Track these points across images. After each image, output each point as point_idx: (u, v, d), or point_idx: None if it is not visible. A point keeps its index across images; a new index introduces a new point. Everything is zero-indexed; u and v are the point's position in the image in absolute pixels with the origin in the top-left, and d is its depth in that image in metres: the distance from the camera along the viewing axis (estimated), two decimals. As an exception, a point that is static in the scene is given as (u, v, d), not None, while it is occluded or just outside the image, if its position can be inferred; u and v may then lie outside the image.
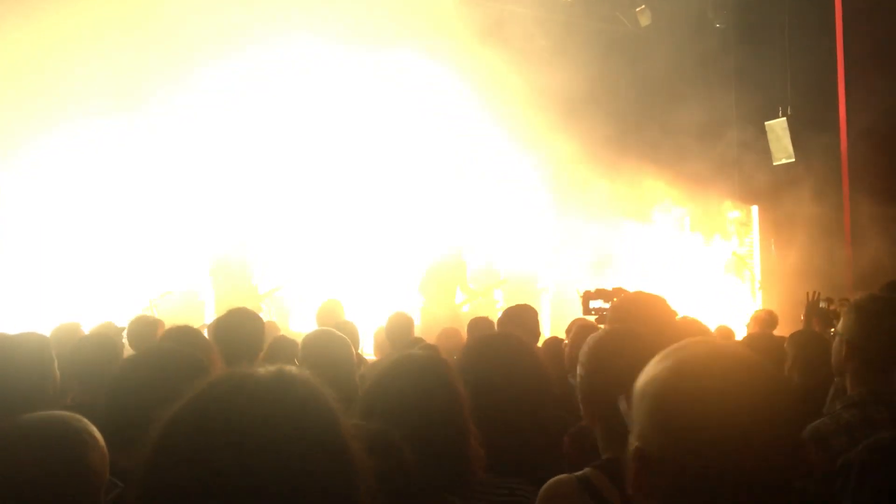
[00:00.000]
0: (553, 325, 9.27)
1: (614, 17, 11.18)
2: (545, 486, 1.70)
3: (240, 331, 3.08)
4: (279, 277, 8.44)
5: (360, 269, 8.75)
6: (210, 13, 7.94)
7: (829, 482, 1.98)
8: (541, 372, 2.09)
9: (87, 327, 4.57)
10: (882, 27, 8.84)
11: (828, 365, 3.28)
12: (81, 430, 1.55)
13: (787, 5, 10.24)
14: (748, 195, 11.23)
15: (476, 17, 9.39)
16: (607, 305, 4.48)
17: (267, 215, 8.68)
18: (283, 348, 3.40)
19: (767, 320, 5.68)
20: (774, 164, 10.29)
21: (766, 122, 10.31)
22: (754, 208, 11.12)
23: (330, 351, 2.88)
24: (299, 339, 3.43)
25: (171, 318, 5.55)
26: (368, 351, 6.20)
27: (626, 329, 1.92)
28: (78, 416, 1.59)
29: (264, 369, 0.92)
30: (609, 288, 4.74)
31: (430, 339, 4.86)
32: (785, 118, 10.05)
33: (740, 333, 5.72)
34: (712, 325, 4.35)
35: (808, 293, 5.00)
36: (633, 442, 1.06)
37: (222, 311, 3.60)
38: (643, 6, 10.74)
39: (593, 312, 4.72)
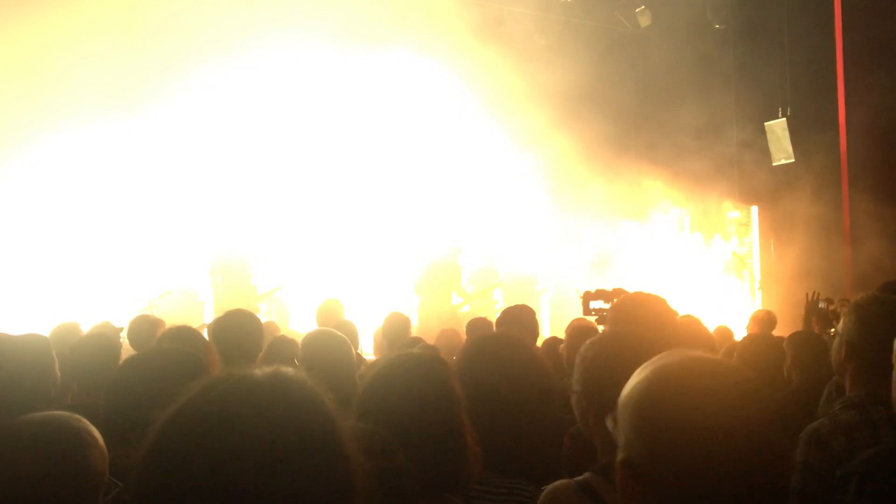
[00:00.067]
0: (553, 325, 9.27)
1: (614, 17, 11.18)
2: (545, 491, 1.70)
3: (238, 331, 3.08)
4: (279, 277, 8.44)
5: (360, 269, 8.75)
6: (208, 13, 7.94)
7: (827, 482, 1.98)
8: (540, 372, 2.09)
9: (87, 327, 4.57)
10: (881, 27, 8.85)
11: (826, 365, 3.29)
12: (81, 430, 1.55)
13: (787, 6, 10.24)
14: (748, 195, 11.24)
15: (475, 16, 9.39)
16: (607, 306, 4.49)
17: (266, 215, 8.68)
18: (283, 348, 3.40)
19: (766, 321, 5.69)
20: (774, 164, 10.30)
21: (765, 123, 10.32)
22: (754, 209, 11.12)
23: (330, 351, 2.88)
24: (299, 339, 3.43)
25: (171, 317, 5.55)
26: (368, 351, 6.21)
27: (620, 332, 1.92)
28: (77, 416, 1.59)
29: (261, 370, 0.92)
30: (609, 289, 4.74)
31: (429, 339, 4.87)
32: (784, 119, 10.06)
33: (739, 334, 5.72)
34: (711, 326, 4.35)
35: (807, 293, 5.01)
36: (620, 453, 1.07)
37: (221, 311, 3.60)
38: (643, 6, 10.74)
39: (593, 313, 4.72)
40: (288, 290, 8.41)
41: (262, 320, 5.65)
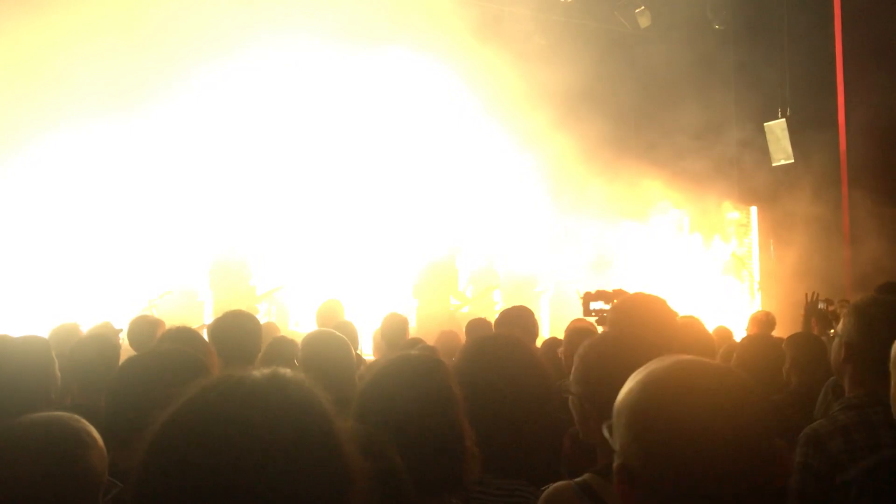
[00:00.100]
0: (552, 326, 9.27)
1: (613, 17, 11.19)
2: (545, 493, 1.70)
3: (237, 332, 3.09)
4: (279, 278, 8.44)
5: (360, 269, 8.75)
6: (207, 13, 7.94)
7: (826, 483, 1.99)
8: (540, 373, 2.09)
9: (87, 327, 4.57)
10: (881, 27, 8.85)
11: (825, 366, 3.29)
12: (81, 431, 1.55)
13: (786, 6, 10.25)
14: (747, 196, 11.24)
15: (475, 16, 9.39)
16: (608, 307, 4.48)
17: (266, 215, 8.67)
18: (283, 349, 3.40)
19: (765, 322, 5.69)
20: (773, 165, 10.30)
21: (765, 124, 10.33)
22: (753, 209, 11.13)
23: (330, 351, 2.88)
24: (299, 340, 3.43)
25: (171, 318, 5.55)
26: (368, 351, 6.21)
27: (618, 334, 1.92)
28: (77, 417, 1.59)
29: (259, 372, 0.92)
30: (610, 290, 4.74)
31: (427, 341, 4.86)
32: (784, 119, 10.07)
33: (739, 334, 5.73)
34: (711, 326, 4.35)
35: (806, 294, 5.01)
36: (617, 459, 1.08)
37: (220, 311, 3.61)
38: (643, 7, 10.74)
39: (594, 314, 4.71)
40: (288, 291, 8.41)
41: (262, 320, 5.68)
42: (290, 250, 8.71)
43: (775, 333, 5.36)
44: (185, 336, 2.92)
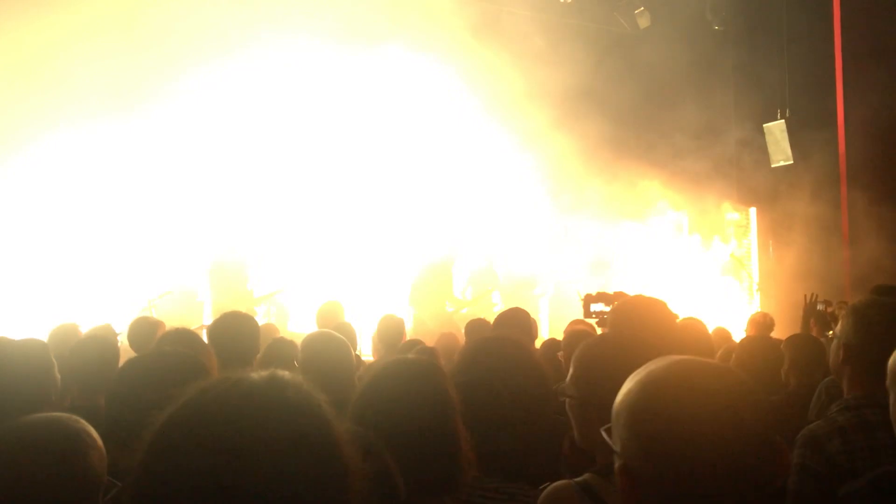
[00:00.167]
0: (552, 327, 9.27)
1: (613, 18, 11.19)
2: (545, 492, 1.71)
3: (235, 334, 3.09)
4: (279, 279, 8.44)
5: (359, 270, 8.75)
6: (207, 13, 7.94)
7: (824, 484, 1.99)
8: (539, 374, 2.09)
9: (87, 328, 4.57)
10: (880, 27, 8.86)
11: (824, 368, 3.30)
12: (81, 431, 1.56)
13: (786, 7, 10.26)
14: (746, 196, 11.25)
15: (474, 17, 9.39)
16: (608, 309, 4.49)
17: (266, 215, 8.67)
18: (282, 350, 3.40)
19: (764, 323, 5.69)
20: (773, 166, 10.31)
21: (764, 125, 10.34)
22: (752, 210, 11.14)
23: (329, 353, 2.89)
24: (298, 341, 3.43)
25: (170, 318, 5.55)
26: (367, 352, 6.21)
27: (616, 335, 1.93)
28: (76, 418, 1.60)
29: (257, 374, 0.92)
30: (610, 291, 4.74)
31: (425, 343, 4.86)
32: (783, 120, 10.08)
33: (738, 335, 5.73)
34: (710, 328, 4.36)
35: (805, 296, 5.02)
36: (618, 460, 1.08)
37: (219, 313, 3.61)
38: (642, 8, 10.75)
39: (594, 316, 4.72)
40: (287, 292, 8.41)
41: (262, 322, 5.68)
42: (289, 251, 8.71)
43: (774, 334, 5.37)
44: (184, 338, 2.92)
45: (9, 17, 7.02)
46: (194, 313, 7.98)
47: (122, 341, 4.34)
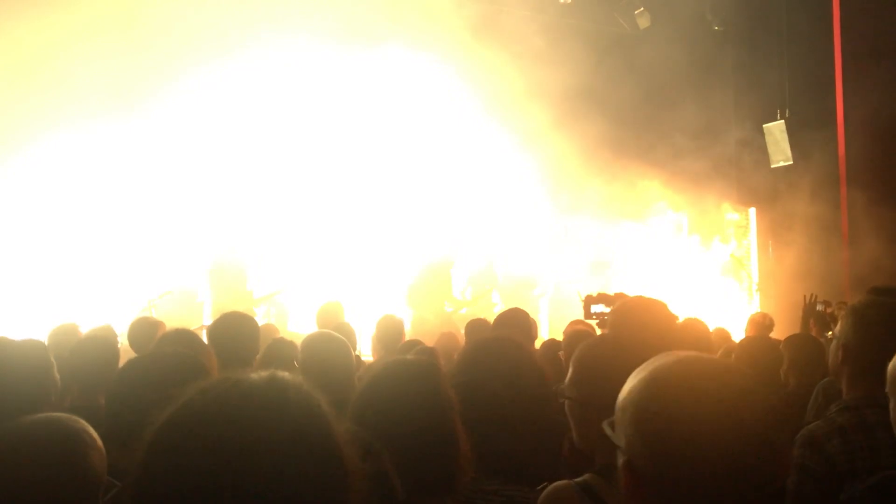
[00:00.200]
0: (551, 328, 9.27)
1: (613, 18, 11.19)
2: (544, 492, 1.71)
3: (235, 334, 3.10)
4: (279, 279, 8.44)
5: (359, 270, 8.75)
6: (207, 13, 7.94)
7: (823, 484, 1.99)
8: (539, 375, 2.10)
9: (87, 328, 4.57)
10: (880, 28, 8.87)
11: (823, 368, 3.31)
12: (80, 431, 1.56)
13: (785, 7, 10.27)
14: (746, 197, 11.26)
15: (474, 17, 9.39)
16: (609, 310, 4.49)
17: (266, 215, 8.67)
18: (282, 350, 3.40)
19: (763, 323, 5.70)
20: (772, 166, 10.32)
21: (764, 125, 10.34)
22: (752, 210, 11.14)
23: (329, 353, 2.89)
24: (298, 341, 3.43)
25: (170, 318, 5.55)
26: (367, 352, 6.21)
27: (615, 336, 1.93)
28: (76, 418, 1.60)
29: (257, 374, 0.93)
30: (611, 293, 4.74)
31: (424, 343, 4.86)
32: (783, 121, 10.08)
33: (738, 336, 5.73)
34: (710, 328, 4.35)
35: (805, 296, 5.02)
36: (622, 456, 1.08)
37: (218, 313, 3.62)
38: (642, 8, 10.75)
39: (594, 317, 4.72)
40: (287, 293, 8.41)
41: (261, 322, 5.68)
42: (289, 251, 8.71)
43: (774, 335, 5.38)
44: (183, 338, 2.93)
45: (9, 17, 7.02)
46: (194, 314, 7.98)
47: (123, 342, 4.35)
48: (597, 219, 9.85)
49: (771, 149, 10.22)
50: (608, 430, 1.12)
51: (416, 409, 1.67)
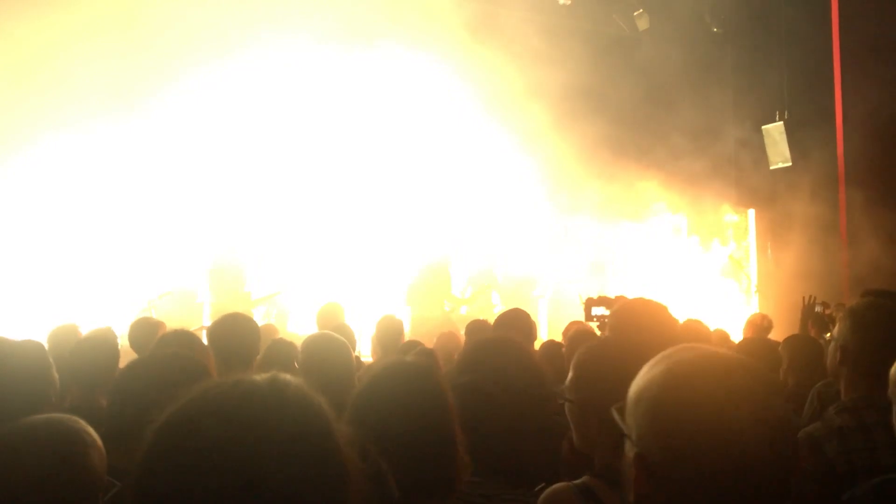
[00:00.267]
0: (550, 329, 9.27)
1: (612, 20, 11.20)
2: (543, 494, 1.71)
3: (235, 335, 3.09)
4: (278, 280, 8.44)
5: (359, 271, 8.75)
6: (207, 13, 7.94)
7: (822, 486, 2.00)
8: (539, 376, 2.10)
9: (87, 328, 4.56)
10: (879, 30, 8.87)
11: (822, 369, 3.31)
12: (80, 431, 1.56)
13: (784, 9, 10.27)
14: (745, 198, 11.26)
15: (473, 17, 9.39)
16: (609, 312, 4.49)
17: (266, 215, 8.67)
18: (282, 351, 3.40)
19: (762, 325, 5.70)
20: (771, 168, 10.32)
21: (763, 127, 10.35)
22: (751, 212, 11.15)
23: (329, 354, 2.89)
24: (298, 341, 3.44)
25: (170, 319, 5.55)
26: (367, 353, 6.22)
27: (617, 339, 1.93)
28: (75, 418, 1.60)
29: (258, 376, 0.93)
30: (611, 295, 4.74)
31: (424, 344, 4.86)
32: (782, 122, 10.09)
33: (737, 337, 5.74)
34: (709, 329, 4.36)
35: (803, 297, 5.03)
36: (632, 448, 1.06)
37: (218, 314, 3.62)
38: (641, 10, 10.76)
39: (595, 319, 4.71)
40: (286, 294, 8.41)
41: (261, 322, 5.68)
42: (289, 251, 8.71)
43: (772, 336, 5.38)
44: (182, 339, 2.93)
45: (9, 17, 7.02)
46: (194, 314, 7.98)
47: (123, 342, 4.35)
48: (596, 219, 9.85)
49: (770, 150, 10.23)
50: (617, 417, 1.11)
51: (414, 411, 1.67)
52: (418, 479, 1.59)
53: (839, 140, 9.44)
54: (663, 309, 2.46)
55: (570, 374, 1.86)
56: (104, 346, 3.27)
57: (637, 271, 9.84)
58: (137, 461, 0.88)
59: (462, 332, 5.34)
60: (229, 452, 0.84)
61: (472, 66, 9.37)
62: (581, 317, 5.28)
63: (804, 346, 3.64)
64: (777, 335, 5.24)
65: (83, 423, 1.59)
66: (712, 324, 5.81)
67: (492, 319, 5.01)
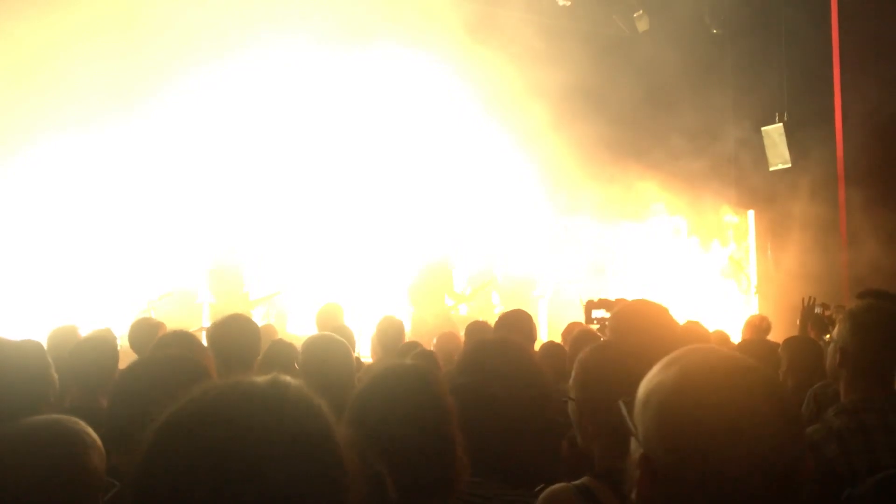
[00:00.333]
0: (550, 330, 9.28)
1: (611, 21, 11.20)
2: (542, 495, 1.71)
3: (236, 337, 3.09)
4: (277, 280, 8.44)
5: (358, 271, 8.75)
6: (207, 13, 7.94)
7: (821, 487, 2.00)
8: (539, 377, 2.10)
9: (86, 329, 4.57)
10: (878, 32, 8.87)
11: (821, 370, 3.31)
12: (80, 432, 1.57)
13: (784, 10, 10.28)
14: (744, 199, 11.26)
15: (473, 18, 9.39)
16: (609, 315, 4.49)
17: (265, 216, 8.67)
18: (282, 352, 3.41)
19: (760, 326, 5.70)
20: (771, 169, 10.32)
21: (762, 128, 10.35)
22: (750, 213, 11.15)
23: (330, 355, 2.90)
24: (297, 342, 3.44)
25: (170, 319, 5.55)
26: (367, 354, 6.22)
27: (620, 341, 1.93)
28: (75, 419, 1.60)
29: (259, 377, 0.93)
30: (611, 297, 4.75)
31: (424, 345, 4.87)
32: (781, 124, 10.09)
33: (736, 338, 5.74)
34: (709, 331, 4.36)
35: (803, 299, 5.03)
36: (637, 449, 1.05)
37: (217, 315, 3.62)
38: (641, 11, 10.76)
39: (595, 322, 4.72)
40: (285, 295, 8.41)
41: (261, 323, 5.68)
42: (288, 251, 8.71)
43: (772, 337, 5.39)
44: (181, 340, 2.93)
45: (9, 17, 7.02)
46: (193, 315, 7.98)
47: (122, 343, 4.35)
48: (596, 220, 9.85)
49: (769, 152, 10.23)
50: (624, 411, 1.11)
51: (413, 412, 1.67)
52: (418, 480, 1.60)
53: (839, 140, 9.44)
54: (664, 311, 2.46)
55: (574, 374, 1.87)
56: (104, 346, 3.27)
57: (637, 272, 9.84)
58: (137, 461, 0.88)
59: (462, 332, 5.34)
60: (229, 453, 0.84)
61: (471, 67, 9.37)
62: (581, 318, 5.29)
63: (804, 348, 3.65)
64: (777, 336, 5.25)
65: (83, 424, 1.59)
66: (712, 325, 5.83)
67: (492, 320, 5.02)
